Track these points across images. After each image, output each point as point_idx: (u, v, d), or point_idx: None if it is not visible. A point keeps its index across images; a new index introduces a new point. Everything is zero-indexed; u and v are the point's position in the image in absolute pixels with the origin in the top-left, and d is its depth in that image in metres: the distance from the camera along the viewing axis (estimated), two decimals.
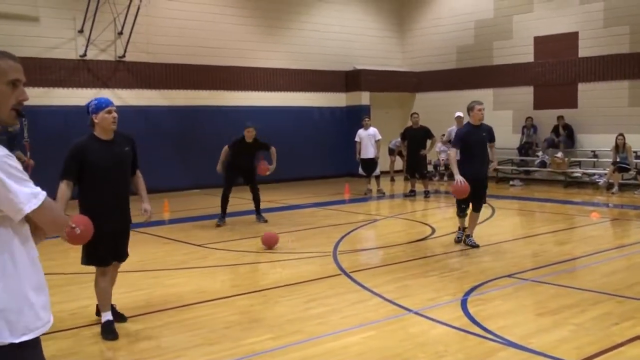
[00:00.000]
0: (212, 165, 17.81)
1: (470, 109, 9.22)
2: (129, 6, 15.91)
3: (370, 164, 16.02)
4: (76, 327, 5.78)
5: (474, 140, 9.09)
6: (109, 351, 5.31)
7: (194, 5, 18.03)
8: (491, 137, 9.33)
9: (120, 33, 16.55)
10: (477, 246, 9.17)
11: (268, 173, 11.93)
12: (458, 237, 9.54)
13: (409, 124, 16.09)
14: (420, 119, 15.67)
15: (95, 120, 5.41)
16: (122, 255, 5.83)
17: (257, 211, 12.10)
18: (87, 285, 6.70)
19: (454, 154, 9.18)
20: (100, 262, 5.59)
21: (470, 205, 9.26)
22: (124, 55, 16.70)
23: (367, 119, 16.42)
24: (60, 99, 15.72)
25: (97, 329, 5.66)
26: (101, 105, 5.42)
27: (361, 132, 16.05)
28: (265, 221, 11.83)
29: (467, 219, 9.38)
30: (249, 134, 11.63)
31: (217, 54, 18.45)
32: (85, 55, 16.11)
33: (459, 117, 14.65)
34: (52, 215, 2.52)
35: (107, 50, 16.65)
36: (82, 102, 15.84)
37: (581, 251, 8.99)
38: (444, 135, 19.45)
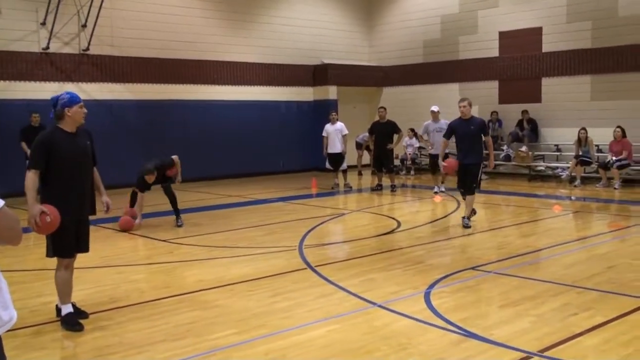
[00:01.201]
0: (179, 159, 17.79)
1: (458, 105, 10.38)
2: None
3: (337, 159, 16.06)
4: (38, 324, 5.71)
5: (460, 132, 10.33)
6: (72, 347, 5.26)
7: None
8: (483, 131, 10.42)
9: (84, 26, 16.30)
10: (468, 227, 10.19)
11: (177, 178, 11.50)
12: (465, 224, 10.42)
13: (376, 118, 16.15)
14: (387, 114, 15.75)
15: (69, 114, 5.55)
16: (85, 246, 5.86)
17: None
18: (48, 281, 6.61)
19: (443, 142, 10.94)
20: (67, 253, 5.66)
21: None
22: (87, 48, 16.45)
23: (334, 114, 16.45)
24: (23, 93, 15.44)
25: (59, 325, 5.60)
26: (75, 99, 5.60)
27: (328, 126, 16.08)
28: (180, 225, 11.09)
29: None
30: (150, 179, 10.79)
31: (184, 48, 18.30)
32: (48, 48, 15.84)
33: (433, 111, 14.75)
34: (8, 223, 2.50)
35: (71, 43, 16.39)
36: (45, 95, 15.71)
37: (543, 243, 9.14)
38: (412, 129, 19.66)
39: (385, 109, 15.90)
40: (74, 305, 5.75)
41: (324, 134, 16.13)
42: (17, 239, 2.54)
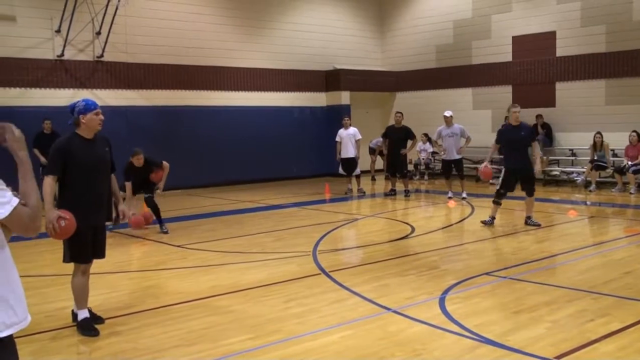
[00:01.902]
0: (193, 165, 17.91)
1: (508, 111, 10.85)
2: (107, 6, 15.80)
3: (350, 164, 16.07)
4: (54, 330, 5.74)
5: (509, 137, 10.63)
6: (88, 352, 5.28)
7: (173, 5, 17.96)
8: (531, 136, 10.76)
9: (99, 33, 16.44)
10: (538, 225, 10.59)
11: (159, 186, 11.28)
12: (485, 222, 10.87)
13: (392, 122, 16.11)
14: (403, 119, 15.71)
15: (83, 121, 5.58)
16: (101, 252, 5.89)
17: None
18: (64, 287, 6.66)
19: (493, 147, 11.24)
20: (84, 259, 5.69)
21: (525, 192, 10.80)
22: (102, 55, 16.59)
23: (347, 119, 16.45)
24: (37, 100, 15.58)
25: (75, 330, 5.63)
26: (90, 106, 5.61)
27: (341, 131, 16.09)
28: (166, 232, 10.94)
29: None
30: (138, 161, 10.74)
31: (197, 54, 18.39)
32: (62, 55, 15.98)
33: (446, 116, 14.69)
34: (22, 221, 2.56)
35: (85, 50, 16.53)
36: (60, 102, 15.85)
37: (559, 248, 9.07)
38: (425, 134, 19.62)
39: (402, 114, 15.85)
40: (90, 311, 5.78)
41: (337, 139, 16.14)
42: (32, 232, 2.61)
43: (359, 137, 16.06)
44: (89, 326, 5.59)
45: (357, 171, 16.26)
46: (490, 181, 18.36)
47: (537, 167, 10.81)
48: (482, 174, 11.39)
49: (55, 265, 7.91)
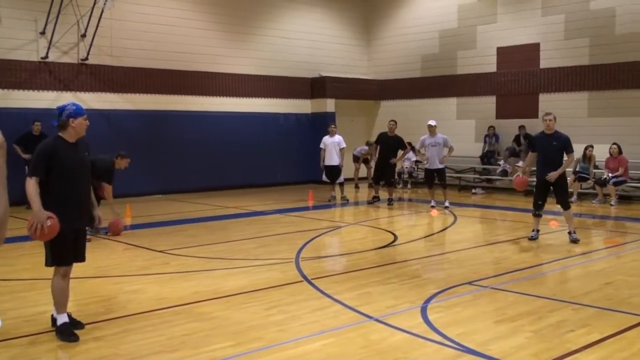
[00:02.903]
0: (177, 170, 17.86)
1: (542, 120, 10.39)
2: (92, 8, 15.71)
3: (334, 171, 16.08)
4: (32, 334, 5.67)
5: (541, 145, 10.29)
6: (67, 358, 5.23)
7: (159, 10, 17.91)
8: (565, 147, 10.20)
9: (84, 35, 16.34)
10: (577, 241, 10.13)
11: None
12: (530, 236, 10.48)
13: (381, 130, 16.14)
14: (397, 128, 15.73)
15: (73, 125, 5.65)
16: (81, 256, 5.89)
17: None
18: (43, 291, 6.61)
19: (529, 155, 10.98)
20: (66, 261, 5.68)
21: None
22: (86, 58, 16.48)
23: (333, 127, 16.47)
24: (21, 102, 15.45)
25: (54, 335, 5.58)
26: (81, 111, 5.71)
27: (326, 139, 16.11)
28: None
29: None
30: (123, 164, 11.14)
31: (183, 59, 18.34)
32: (46, 57, 15.86)
33: (430, 125, 14.72)
34: None
35: (70, 52, 16.42)
36: (43, 105, 15.74)
37: (540, 259, 9.14)
38: (409, 143, 19.68)
39: (395, 122, 15.87)
40: (69, 316, 5.73)
41: (321, 145, 16.15)
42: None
43: (344, 145, 16.09)
44: (69, 331, 5.53)
45: (341, 179, 16.27)
46: (473, 190, 18.51)
47: (552, 174, 10.06)
48: (516, 183, 10.96)
49: (34, 269, 7.85)
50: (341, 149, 15.99)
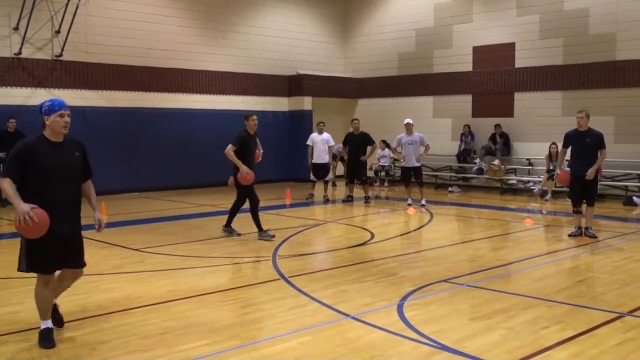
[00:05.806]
0: (153, 168, 17.73)
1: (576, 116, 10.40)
2: (67, 4, 15.54)
3: (323, 169, 16.11)
4: (4, 334, 5.59)
5: (575, 142, 10.30)
6: (40, 357, 5.16)
7: (136, 6, 17.76)
8: (598, 144, 10.24)
9: (58, 32, 16.16)
10: (595, 237, 10.29)
11: None
12: (572, 233, 10.56)
13: (350, 129, 16.20)
14: (361, 125, 15.83)
15: (47, 122, 5.25)
16: (74, 262, 5.51)
17: None
18: (16, 290, 6.53)
19: (561, 152, 11.01)
20: (42, 268, 5.29)
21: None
22: (61, 55, 16.30)
23: (322, 124, 16.43)
24: None
25: (27, 335, 5.50)
26: (54, 107, 5.27)
27: (315, 136, 16.10)
28: None
29: (583, 217, 10.61)
30: None
31: (159, 56, 18.22)
32: (20, 53, 15.65)
33: (407, 123, 14.78)
34: None
35: (44, 48, 16.22)
36: (17, 101, 15.52)
37: (515, 256, 9.23)
38: (384, 141, 19.77)
39: (359, 120, 15.99)
40: (55, 309, 5.61)
41: (309, 142, 16.12)
42: None
43: (332, 143, 16.15)
44: (48, 338, 5.30)
45: (330, 176, 16.32)
46: (450, 189, 18.61)
47: (589, 171, 10.12)
48: (559, 179, 11.18)
49: (7, 268, 7.74)
50: (329, 147, 16.03)
